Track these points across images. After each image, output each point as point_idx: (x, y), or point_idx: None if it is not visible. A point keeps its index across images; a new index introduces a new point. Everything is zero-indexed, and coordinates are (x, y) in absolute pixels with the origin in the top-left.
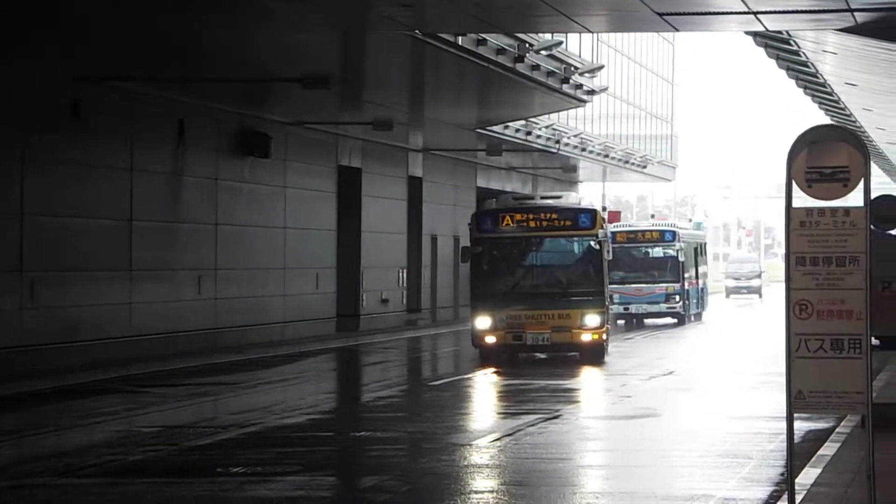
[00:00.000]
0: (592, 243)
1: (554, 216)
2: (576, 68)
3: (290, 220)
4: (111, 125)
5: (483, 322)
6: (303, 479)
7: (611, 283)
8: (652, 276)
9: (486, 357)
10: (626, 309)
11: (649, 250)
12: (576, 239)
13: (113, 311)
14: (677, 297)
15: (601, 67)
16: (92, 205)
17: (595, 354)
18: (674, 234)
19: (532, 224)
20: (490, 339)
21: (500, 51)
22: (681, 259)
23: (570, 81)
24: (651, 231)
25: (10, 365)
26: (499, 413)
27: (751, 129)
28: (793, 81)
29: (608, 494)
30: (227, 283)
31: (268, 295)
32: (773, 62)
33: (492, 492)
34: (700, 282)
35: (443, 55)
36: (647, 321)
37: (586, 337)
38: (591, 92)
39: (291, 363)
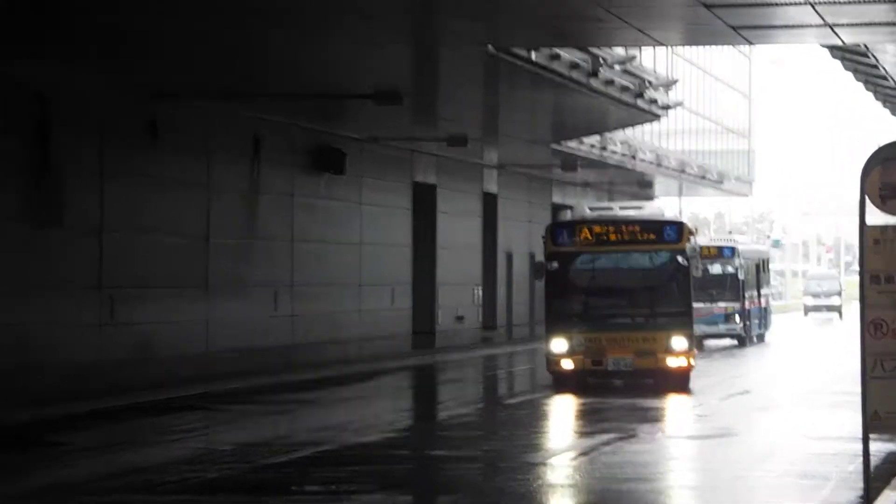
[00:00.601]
0: (679, 258)
1: (636, 228)
2: (650, 83)
3: (366, 237)
4: (188, 142)
5: (559, 345)
6: (378, 498)
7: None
8: (710, 295)
9: (561, 384)
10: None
11: (707, 267)
12: (661, 253)
13: (190, 327)
14: (737, 318)
15: (675, 82)
16: (169, 221)
17: (680, 381)
18: (733, 250)
19: (612, 237)
20: (567, 365)
21: (574, 65)
22: (741, 277)
23: (645, 96)
24: (709, 247)
25: (89, 381)
26: (574, 432)
27: (831, 143)
28: (871, 94)
29: None
30: (302, 299)
31: (343, 311)
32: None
33: None
34: (762, 301)
35: (517, 70)
36: (707, 342)
37: (672, 362)
38: (666, 107)
39: (367, 380)
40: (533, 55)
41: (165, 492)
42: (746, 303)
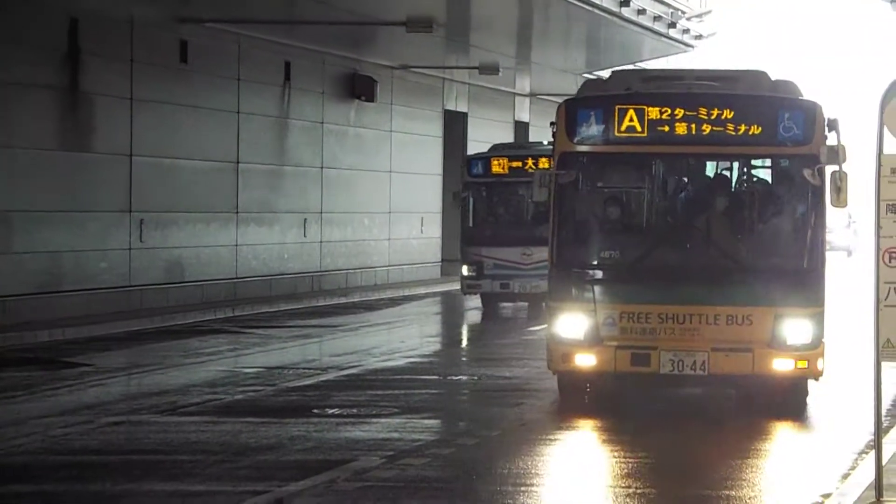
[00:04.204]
0: (806, 172)
1: (727, 113)
2: (683, 13)
3: (396, 165)
4: (218, 68)
5: (571, 326)
6: (398, 422)
7: (479, 245)
8: (542, 233)
9: (572, 394)
10: (503, 286)
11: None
12: (773, 160)
13: (218, 252)
14: None
15: (709, 13)
16: (199, 147)
17: (792, 400)
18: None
19: (680, 128)
20: (585, 360)
21: None
22: None
23: (678, 26)
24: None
25: (118, 304)
26: None
27: (868, 77)
28: None
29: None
30: (331, 226)
31: (372, 239)
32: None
33: (579, 438)
34: None
35: None
36: (503, 306)
37: (784, 364)
38: (699, 37)
39: (394, 307)
40: None
41: (188, 413)
42: None
